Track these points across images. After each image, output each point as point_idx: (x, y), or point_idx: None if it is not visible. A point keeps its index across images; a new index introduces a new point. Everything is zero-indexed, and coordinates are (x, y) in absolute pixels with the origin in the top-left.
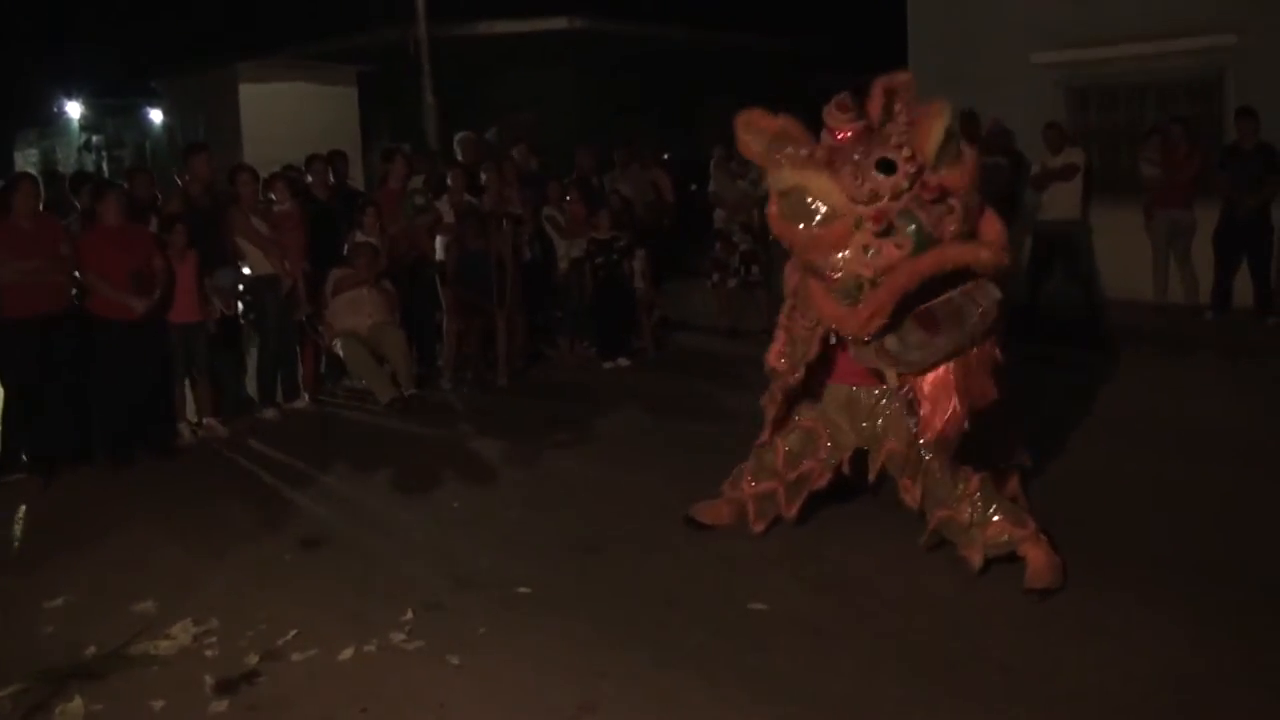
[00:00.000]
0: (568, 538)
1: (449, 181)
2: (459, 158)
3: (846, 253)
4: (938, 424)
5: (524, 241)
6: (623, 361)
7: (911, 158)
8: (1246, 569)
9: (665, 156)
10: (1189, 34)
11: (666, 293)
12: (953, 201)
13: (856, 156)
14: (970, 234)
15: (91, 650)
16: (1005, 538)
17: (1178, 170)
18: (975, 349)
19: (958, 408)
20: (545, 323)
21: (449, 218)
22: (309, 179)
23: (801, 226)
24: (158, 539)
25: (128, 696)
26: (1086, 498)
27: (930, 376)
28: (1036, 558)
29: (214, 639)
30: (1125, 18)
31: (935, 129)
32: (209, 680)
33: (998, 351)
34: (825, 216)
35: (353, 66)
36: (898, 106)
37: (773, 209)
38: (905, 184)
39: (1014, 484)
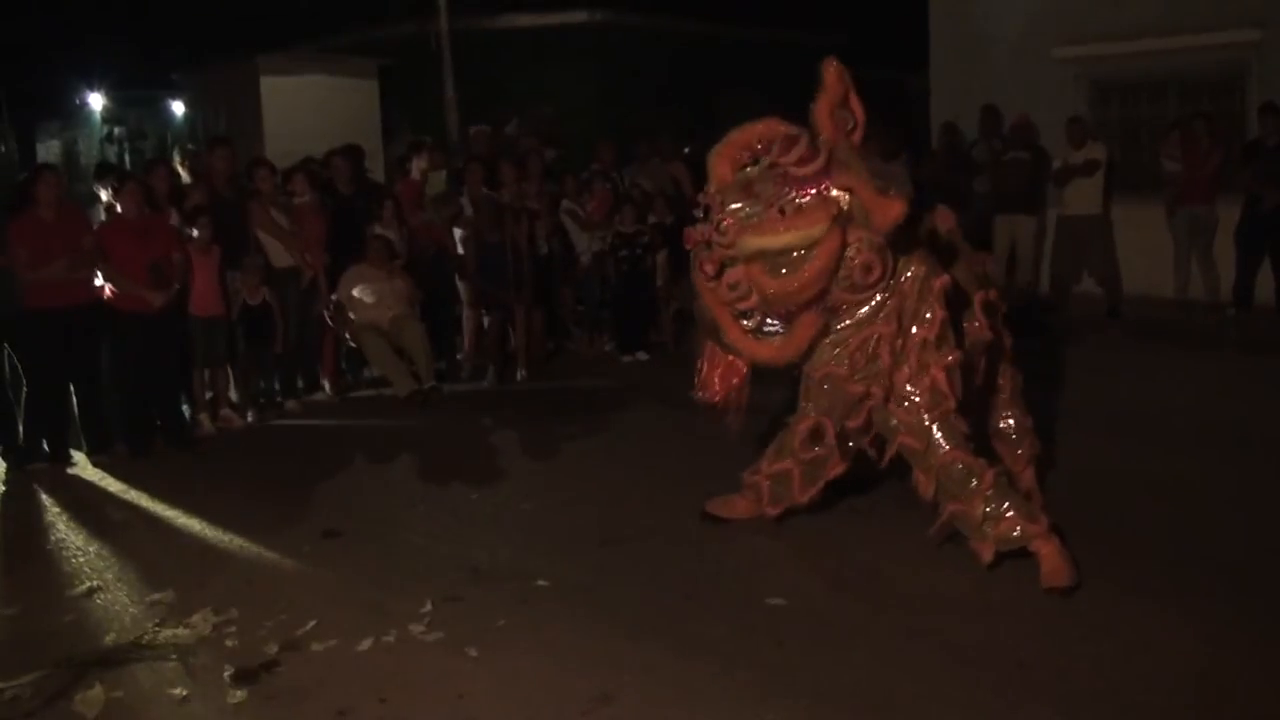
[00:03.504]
0: (586, 530)
1: (466, 175)
2: (472, 150)
3: None
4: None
5: (541, 235)
6: (641, 355)
7: (718, 232)
8: (1263, 567)
9: (686, 151)
10: (1212, 29)
11: (686, 287)
12: (742, 282)
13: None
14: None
15: (111, 638)
16: (1017, 533)
17: (1200, 166)
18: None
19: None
20: (564, 316)
21: (468, 211)
22: (329, 173)
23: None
24: (177, 529)
25: (147, 685)
26: (1102, 494)
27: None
28: (1050, 555)
29: (233, 628)
30: (1148, 12)
31: (757, 240)
32: (228, 669)
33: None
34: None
35: (373, 60)
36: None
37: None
38: (697, 240)
39: (1029, 477)
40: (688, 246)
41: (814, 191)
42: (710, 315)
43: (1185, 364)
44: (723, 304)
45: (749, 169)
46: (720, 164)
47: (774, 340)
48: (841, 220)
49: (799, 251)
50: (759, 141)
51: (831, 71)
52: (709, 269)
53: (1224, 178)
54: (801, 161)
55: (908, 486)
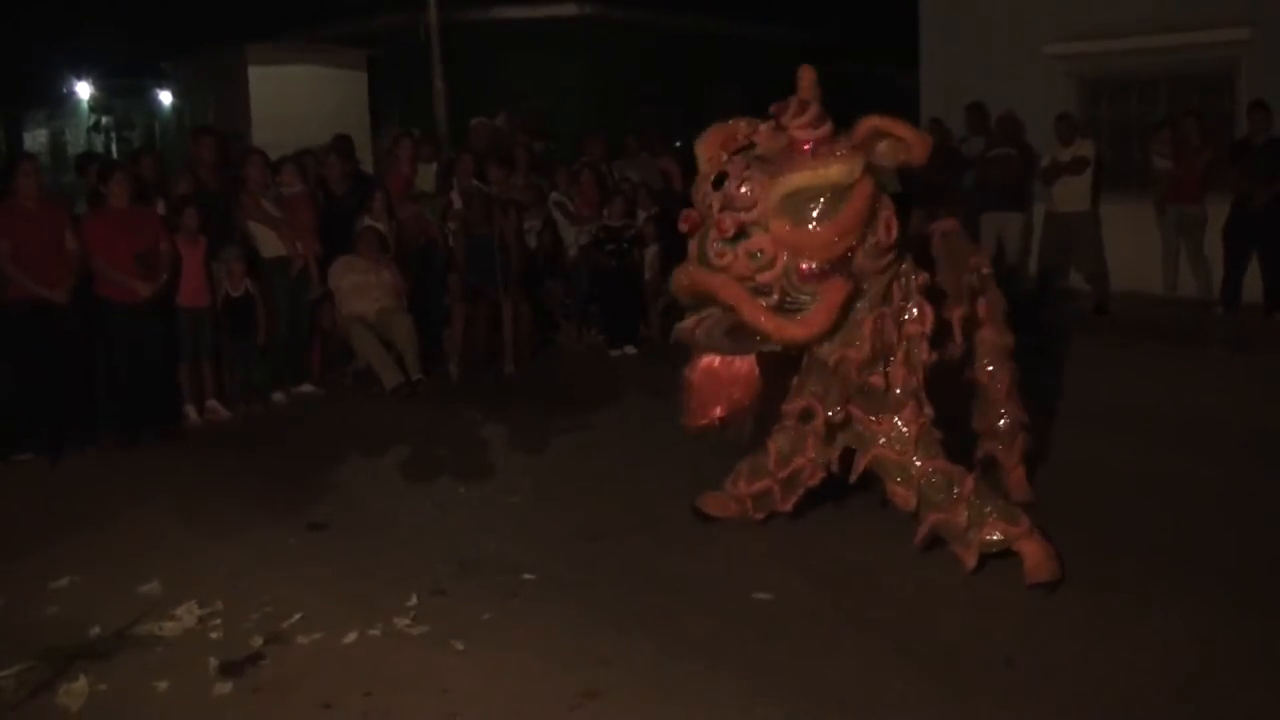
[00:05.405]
0: (573, 525)
1: (456, 167)
2: (471, 143)
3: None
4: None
5: (533, 229)
6: (629, 350)
7: (741, 188)
8: (1249, 565)
9: (677, 145)
10: (1202, 27)
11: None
12: (765, 249)
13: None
14: (788, 293)
15: (96, 631)
16: (998, 536)
17: (1190, 164)
18: (736, 361)
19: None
20: (553, 309)
21: (457, 204)
22: (323, 170)
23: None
24: (163, 521)
25: (132, 677)
26: (1089, 491)
27: (703, 364)
28: (1033, 553)
29: (219, 621)
30: (1138, 10)
31: (793, 180)
32: (213, 662)
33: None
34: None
35: (363, 50)
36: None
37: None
38: (714, 207)
39: (1020, 476)
40: (684, 228)
41: (834, 151)
42: (723, 299)
43: (1173, 362)
44: (739, 281)
45: (745, 152)
46: (709, 147)
47: (803, 314)
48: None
49: (824, 201)
50: (747, 127)
51: (808, 75)
52: (728, 226)
53: (1213, 176)
54: (812, 124)
55: None
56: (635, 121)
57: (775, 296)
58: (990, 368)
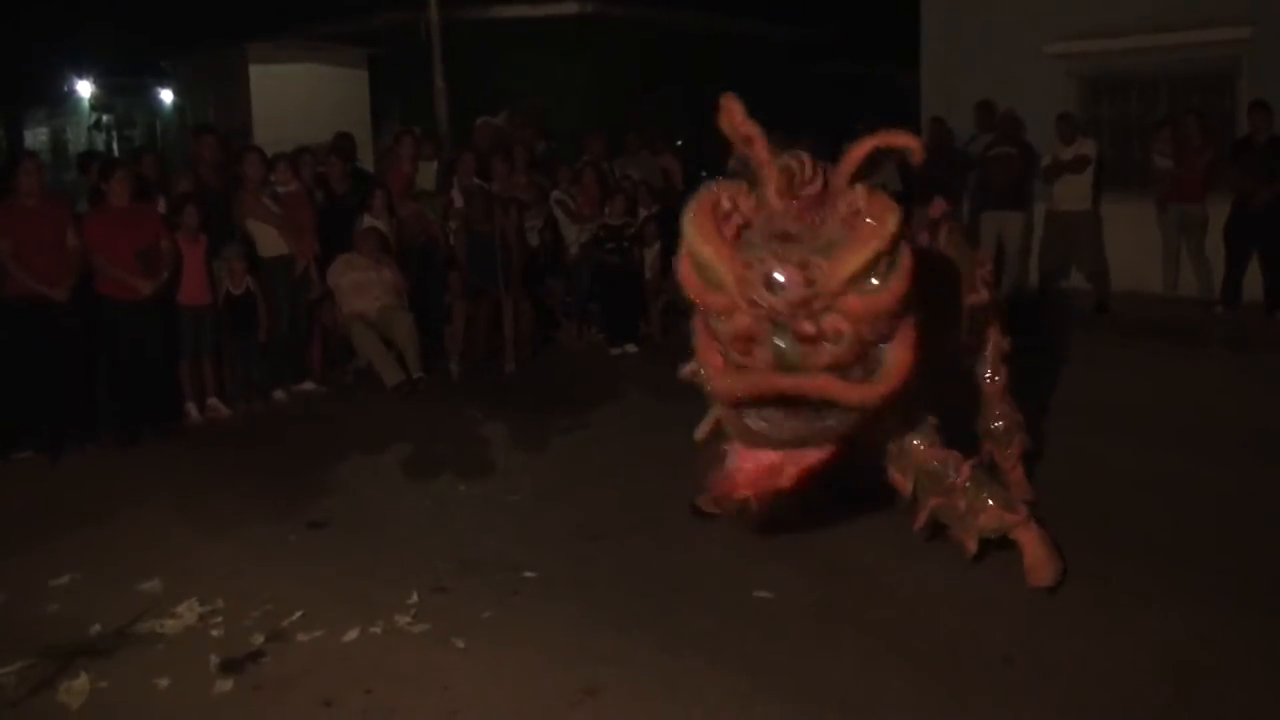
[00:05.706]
0: (573, 523)
1: (458, 166)
2: (476, 142)
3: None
4: (734, 489)
5: (535, 226)
6: (630, 348)
7: (809, 282)
8: (1249, 562)
9: (679, 143)
10: (1202, 26)
11: (675, 279)
12: (841, 330)
13: (789, 230)
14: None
15: (97, 628)
16: (998, 523)
17: (1191, 163)
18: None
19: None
20: (553, 307)
21: (458, 202)
22: (323, 168)
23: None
24: (164, 519)
25: (133, 675)
26: (1089, 489)
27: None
28: (1031, 545)
29: (219, 619)
30: (1139, 9)
31: (862, 254)
32: (214, 660)
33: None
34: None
35: (363, 49)
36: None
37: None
38: (778, 309)
39: (1019, 475)
40: (741, 348)
41: (848, 204)
42: (816, 396)
43: (1173, 361)
44: (823, 371)
45: (752, 227)
46: (705, 234)
47: (886, 365)
48: None
49: (885, 261)
50: (727, 203)
51: (733, 107)
52: (810, 329)
53: (1214, 175)
54: (811, 180)
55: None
56: (636, 119)
57: (859, 370)
58: (988, 369)
